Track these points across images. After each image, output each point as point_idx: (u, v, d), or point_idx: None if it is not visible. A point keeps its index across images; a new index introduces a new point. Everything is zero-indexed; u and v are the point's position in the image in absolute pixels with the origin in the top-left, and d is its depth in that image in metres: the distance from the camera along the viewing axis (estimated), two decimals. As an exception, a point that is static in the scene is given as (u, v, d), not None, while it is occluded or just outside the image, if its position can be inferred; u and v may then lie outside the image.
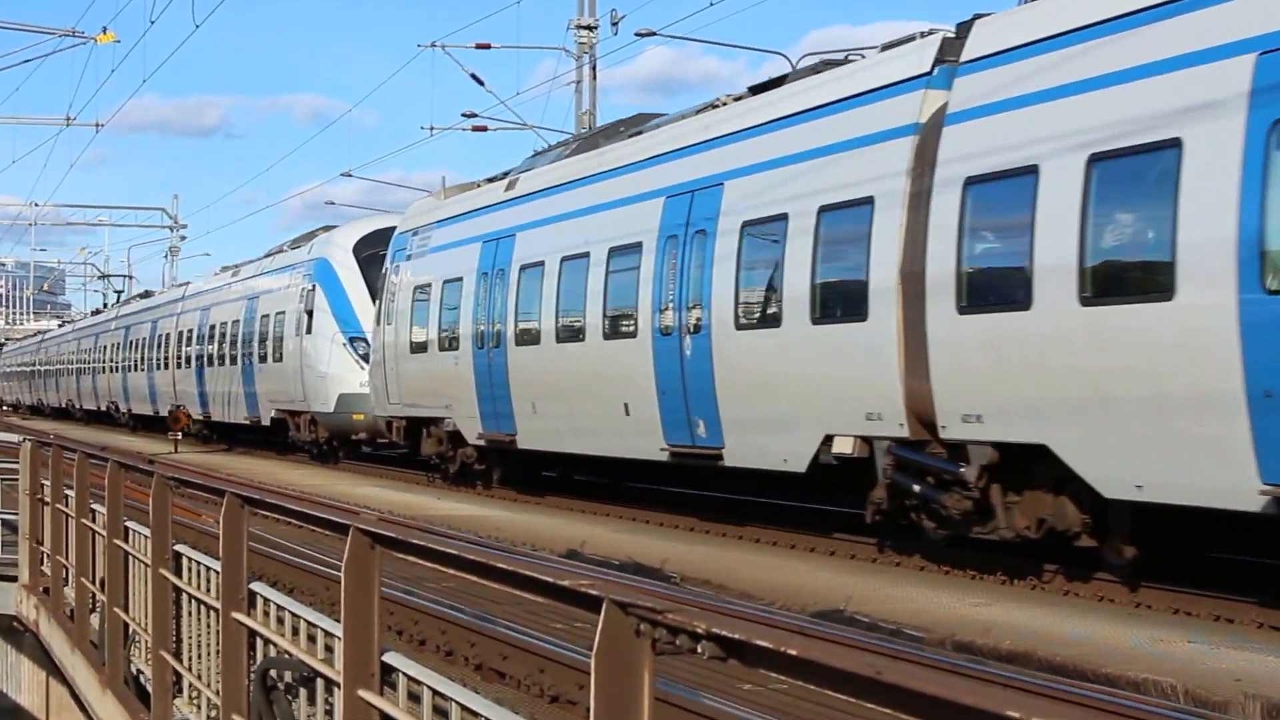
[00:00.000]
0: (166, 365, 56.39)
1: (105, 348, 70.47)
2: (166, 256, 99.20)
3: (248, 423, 45.62)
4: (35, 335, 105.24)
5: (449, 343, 29.13)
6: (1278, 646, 12.45)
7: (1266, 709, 8.01)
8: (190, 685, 10.94)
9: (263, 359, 43.39)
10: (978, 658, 7.14)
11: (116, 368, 67.03)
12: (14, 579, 20.24)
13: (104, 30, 40.52)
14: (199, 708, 10.71)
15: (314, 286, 39.50)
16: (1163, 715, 3.42)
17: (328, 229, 43.54)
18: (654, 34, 37.94)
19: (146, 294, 73.47)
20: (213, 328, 49.92)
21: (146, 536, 12.02)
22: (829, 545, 19.34)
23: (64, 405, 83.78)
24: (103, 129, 57.77)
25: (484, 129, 46.40)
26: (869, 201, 17.53)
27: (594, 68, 42.21)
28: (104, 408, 70.08)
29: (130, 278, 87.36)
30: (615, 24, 40.24)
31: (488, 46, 44.46)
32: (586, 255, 24.05)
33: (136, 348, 62.41)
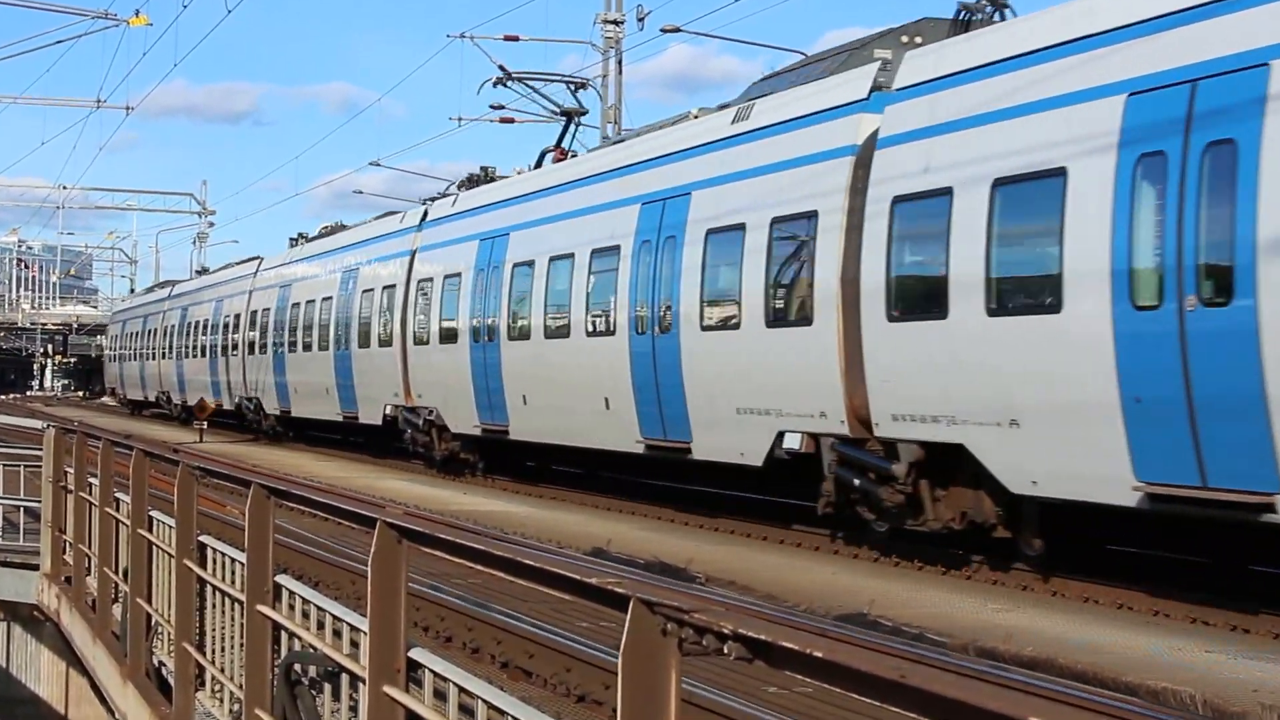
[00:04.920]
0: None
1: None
2: (194, 243, 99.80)
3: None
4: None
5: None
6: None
7: (1286, 720, 8.06)
8: (213, 678, 10.97)
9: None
10: (1000, 663, 7.21)
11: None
12: (36, 568, 20.32)
13: (137, 13, 40.55)
14: (221, 701, 10.76)
15: None
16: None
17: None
18: (679, 30, 38.07)
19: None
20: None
21: (171, 527, 12.07)
22: (852, 549, 19.39)
23: (107, 394, 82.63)
24: (133, 112, 57.46)
25: (511, 120, 46.43)
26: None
27: (620, 62, 42.39)
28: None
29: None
30: (641, 19, 40.33)
31: (516, 39, 44.68)
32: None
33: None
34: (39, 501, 20.64)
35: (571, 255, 25.61)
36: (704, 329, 21.28)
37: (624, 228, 23.87)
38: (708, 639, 4.46)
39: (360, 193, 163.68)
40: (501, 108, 46.03)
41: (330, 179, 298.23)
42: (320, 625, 8.41)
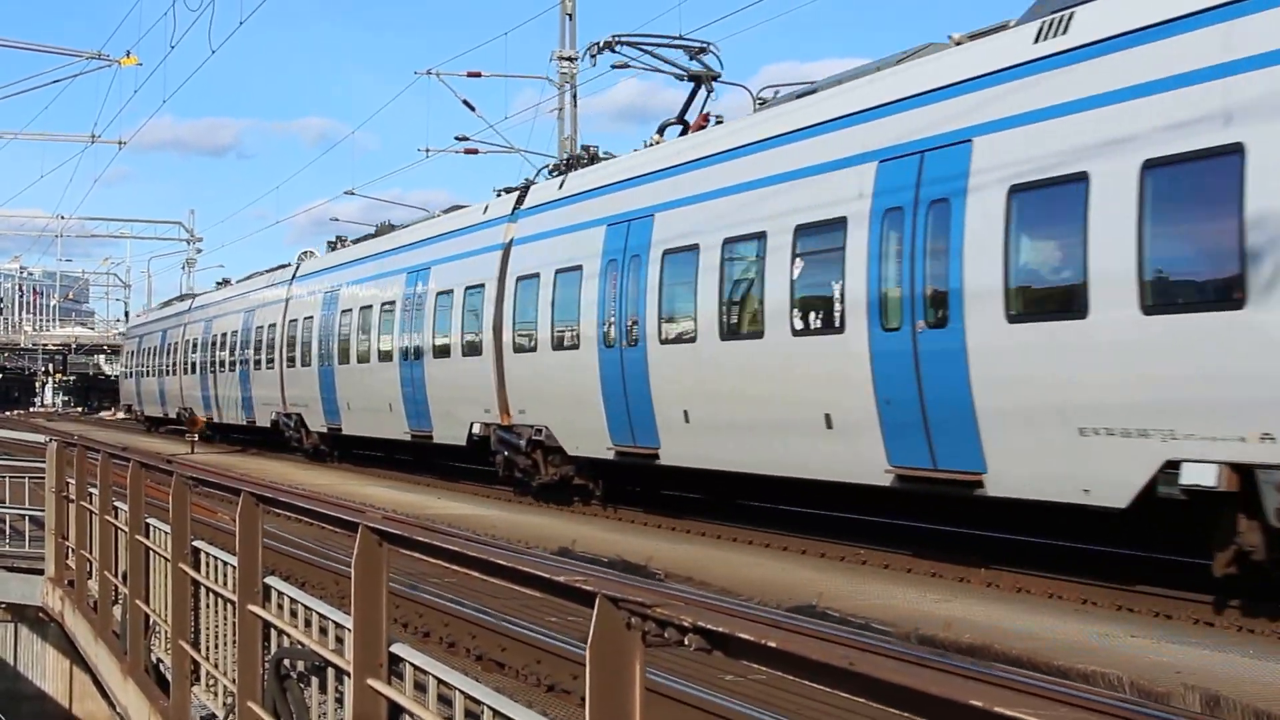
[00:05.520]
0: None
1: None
2: (184, 268, 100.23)
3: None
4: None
5: None
6: (1212, 641, 12.57)
7: (1205, 700, 8.10)
8: (208, 674, 10.93)
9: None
10: (941, 650, 7.22)
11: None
12: (40, 572, 20.25)
13: (128, 54, 40.35)
14: (216, 695, 10.72)
15: None
16: (1112, 705, 3.50)
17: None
18: (628, 65, 38.02)
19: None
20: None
21: (167, 533, 12.04)
22: (801, 544, 19.39)
23: (123, 411, 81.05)
24: (125, 147, 56.83)
25: (475, 151, 46.50)
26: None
27: (574, 96, 42.44)
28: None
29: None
30: (594, 56, 40.31)
31: (478, 75, 44.74)
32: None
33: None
34: (43, 510, 20.55)
35: (759, 235, 19.18)
36: (1012, 320, 14.94)
37: (849, 193, 17.45)
38: (669, 631, 4.46)
39: (336, 220, 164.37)
40: (466, 139, 46.07)
41: (309, 207, 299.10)
42: (307, 623, 8.39)
